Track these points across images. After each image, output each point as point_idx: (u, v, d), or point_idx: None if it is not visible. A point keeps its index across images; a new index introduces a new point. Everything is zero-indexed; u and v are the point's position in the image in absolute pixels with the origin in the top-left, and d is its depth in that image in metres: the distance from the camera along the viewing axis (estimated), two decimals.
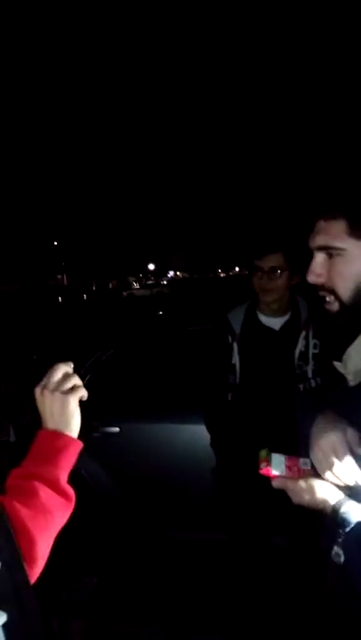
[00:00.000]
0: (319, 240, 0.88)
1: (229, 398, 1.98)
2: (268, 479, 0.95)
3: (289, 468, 0.95)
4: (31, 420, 2.92)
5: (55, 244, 46.13)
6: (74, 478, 3.12)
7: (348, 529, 0.82)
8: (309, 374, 1.93)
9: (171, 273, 69.79)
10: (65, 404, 0.90)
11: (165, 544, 2.78)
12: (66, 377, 0.93)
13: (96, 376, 2.94)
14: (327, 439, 0.87)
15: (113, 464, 2.78)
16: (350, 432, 0.87)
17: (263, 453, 0.97)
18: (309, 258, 0.93)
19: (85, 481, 2.78)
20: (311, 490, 0.89)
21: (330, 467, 0.87)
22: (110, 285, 51.65)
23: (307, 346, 1.93)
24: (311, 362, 1.93)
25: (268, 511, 1.95)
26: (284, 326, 1.98)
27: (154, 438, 2.72)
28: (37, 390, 0.92)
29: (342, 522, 0.83)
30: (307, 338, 1.94)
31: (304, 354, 1.93)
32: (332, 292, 0.88)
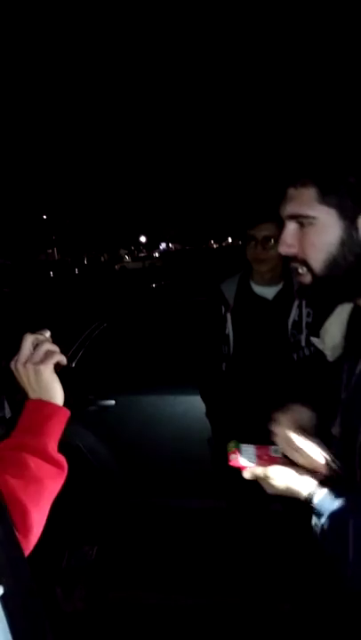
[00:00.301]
0: (290, 208, 0.84)
1: (223, 369, 1.98)
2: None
3: (259, 457, 0.94)
4: (25, 395, 2.91)
5: (45, 217, 45.40)
6: (71, 451, 3.13)
7: (322, 520, 0.81)
8: (303, 343, 1.92)
9: (163, 245, 69.18)
10: (38, 374, 0.89)
11: (163, 512, 2.83)
12: (37, 346, 0.90)
13: (90, 350, 2.93)
14: (281, 427, 0.89)
15: (110, 436, 2.80)
16: (305, 415, 0.89)
17: (232, 445, 0.96)
18: None
19: (83, 453, 2.81)
20: (282, 478, 0.88)
21: (293, 453, 0.88)
22: (102, 259, 51.22)
23: (300, 315, 1.93)
24: (305, 331, 1.92)
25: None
26: (277, 296, 1.97)
27: (149, 410, 2.74)
28: (12, 365, 0.91)
29: (316, 513, 0.83)
30: (300, 307, 1.93)
31: (298, 323, 1.92)
32: (305, 262, 0.84)
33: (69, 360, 2.93)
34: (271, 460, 0.93)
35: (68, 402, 3.17)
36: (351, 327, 0.91)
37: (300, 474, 0.87)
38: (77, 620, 2.36)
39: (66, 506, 3.06)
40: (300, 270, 0.86)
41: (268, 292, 1.97)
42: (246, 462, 0.94)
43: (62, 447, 3.14)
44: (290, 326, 1.92)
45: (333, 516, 0.80)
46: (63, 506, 3.07)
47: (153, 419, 2.72)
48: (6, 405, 2.40)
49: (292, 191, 0.84)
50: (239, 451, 0.95)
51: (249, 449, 0.96)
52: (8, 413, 2.38)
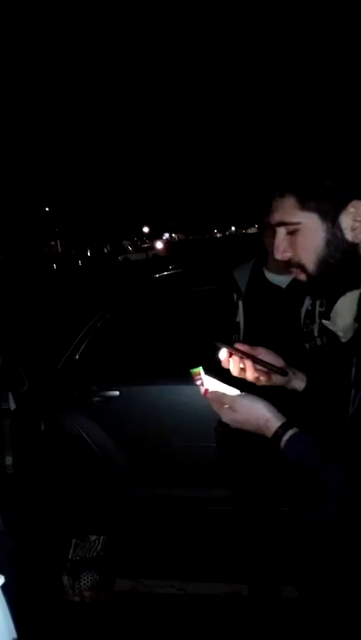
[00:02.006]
0: (275, 217, 0.90)
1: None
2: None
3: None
4: (30, 388, 2.92)
5: (47, 209, 45.28)
6: (76, 442, 3.13)
7: (292, 460, 0.87)
8: (315, 333, 1.90)
9: (166, 235, 68.93)
10: None
11: (169, 502, 2.84)
12: None
13: (94, 341, 2.92)
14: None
15: (114, 427, 2.81)
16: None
17: (197, 370, 1.02)
18: None
19: (88, 444, 2.81)
20: (245, 410, 0.94)
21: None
22: (105, 250, 51.13)
23: (313, 304, 1.90)
24: (318, 320, 1.89)
25: (271, 466, 1.97)
26: (290, 284, 1.93)
27: (154, 400, 2.73)
28: None
29: (285, 451, 0.88)
30: None
31: (311, 312, 1.89)
32: (299, 264, 0.90)
33: (73, 351, 2.93)
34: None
35: (72, 393, 3.18)
36: None
37: (264, 411, 0.92)
38: (84, 610, 2.39)
39: (72, 496, 3.09)
40: (296, 272, 0.92)
41: (282, 280, 1.94)
42: (212, 385, 0.99)
43: (67, 438, 3.16)
44: (303, 315, 1.89)
45: (302, 463, 0.85)
46: (69, 496, 3.09)
47: (157, 409, 2.71)
48: (11, 398, 2.41)
49: (274, 202, 0.90)
50: (202, 375, 1.01)
51: (213, 380, 1.01)
52: (13, 406, 2.39)
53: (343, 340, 0.97)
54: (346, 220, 0.84)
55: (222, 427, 2.11)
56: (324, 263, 0.86)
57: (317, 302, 1.91)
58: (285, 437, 0.88)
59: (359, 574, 0.87)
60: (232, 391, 1.00)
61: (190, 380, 1.02)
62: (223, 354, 1.05)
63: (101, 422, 2.81)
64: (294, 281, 1.94)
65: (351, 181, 0.82)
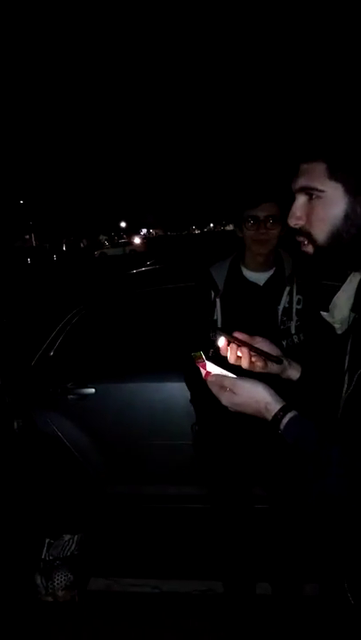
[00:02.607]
0: (300, 181, 0.90)
1: (210, 354, 1.96)
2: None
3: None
4: (3, 385, 2.85)
5: (21, 202, 44.45)
6: (50, 440, 3.09)
7: (291, 442, 0.88)
8: (293, 330, 1.90)
9: (144, 230, 68.59)
10: None
11: (145, 500, 2.83)
12: None
13: (69, 337, 2.87)
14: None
15: (90, 425, 2.77)
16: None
17: (198, 354, 1.03)
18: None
19: (63, 442, 2.77)
20: (246, 393, 0.95)
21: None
22: (81, 245, 50.56)
23: (290, 302, 1.90)
24: (295, 318, 1.90)
25: (248, 464, 1.97)
26: (268, 281, 1.93)
27: (130, 398, 2.71)
28: None
29: (284, 434, 0.89)
30: (291, 293, 1.91)
31: (288, 310, 1.90)
32: (308, 234, 0.90)
33: (47, 348, 2.87)
34: None
35: (46, 390, 3.13)
36: (359, 296, 0.97)
37: (265, 394, 0.94)
38: (58, 610, 2.35)
39: (46, 495, 3.05)
40: (303, 242, 0.92)
41: (260, 277, 1.94)
42: (213, 369, 1.01)
43: (41, 436, 3.11)
44: (280, 313, 1.90)
45: (302, 444, 0.87)
46: (43, 495, 3.05)
47: (134, 407, 2.69)
48: None
49: (303, 166, 0.90)
50: (204, 359, 1.02)
51: (214, 365, 1.02)
52: None
53: (339, 331, 1.00)
54: None
55: (199, 424, 2.10)
56: (336, 236, 0.87)
57: (295, 299, 1.92)
58: (285, 420, 0.90)
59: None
60: (231, 375, 1.01)
61: (192, 362, 1.03)
62: (222, 341, 1.07)
63: (76, 420, 2.77)
64: (272, 278, 1.96)
65: None
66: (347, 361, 0.96)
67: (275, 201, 1.85)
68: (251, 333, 1.88)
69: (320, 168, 0.87)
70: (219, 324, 1.91)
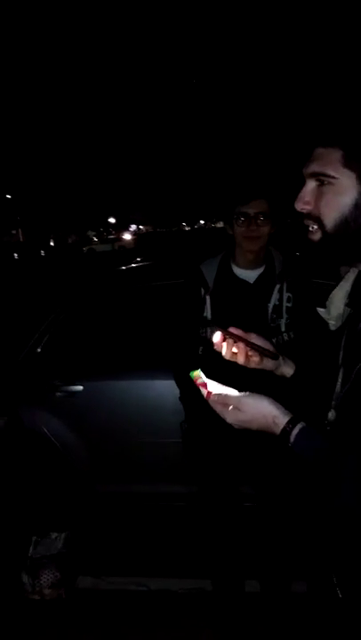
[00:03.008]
0: (313, 166, 0.90)
1: (200, 352, 1.95)
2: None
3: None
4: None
5: (9, 197, 43.99)
6: (37, 438, 3.04)
7: (301, 458, 0.87)
8: (283, 328, 1.90)
9: (133, 227, 68.33)
10: None
11: (133, 498, 2.81)
12: None
13: (56, 334, 2.84)
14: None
15: (77, 422, 2.75)
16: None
17: (197, 373, 1.01)
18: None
19: (50, 440, 2.74)
20: (251, 409, 0.93)
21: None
22: (69, 240, 50.20)
23: (280, 299, 1.91)
24: (285, 315, 1.90)
25: (237, 462, 1.97)
26: (258, 279, 1.93)
27: (118, 396, 2.69)
28: None
29: (294, 447, 0.88)
30: (281, 291, 1.91)
31: (278, 307, 1.90)
32: (318, 219, 0.90)
33: (35, 344, 2.84)
34: None
35: (33, 387, 3.09)
36: (355, 291, 0.98)
37: (271, 408, 0.92)
38: (45, 608, 2.34)
39: (33, 493, 3.01)
40: (311, 228, 0.92)
41: (250, 275, 1.94)
42: (214, 388, 0.98)
43: (29, 434, 3.07)
44: (270, 310, 1.90)
45: (312, 455, 0.86)
46: (30, 493, 3.01)
47: (122, 405, 2.67)
48: None
49: (319, 150, 0.89)
50: (203, 377, 0.99)
51: (213, 382, 1.00)
52: None
53: (333, 328, 1.01)
54: None
55: (188, 422, 2.09)
56: (344, 224, 0.88)
57: (285, 297, 1.92)
58: (295, 432, 0.88)
59: None
60: (233, 392, 0.99)
61: (192, 383, 1.00)
62: (217, 337, 1.05)
63: (64, 418, 2.74)
64: (262, 276, 1.96)
65: None
66: (341, 356, 0.96)
67: (265, 198, 1.85)
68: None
69: (336, 155, 0.87)
70: None
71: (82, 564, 2.57)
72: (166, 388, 2.45)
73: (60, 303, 2.91)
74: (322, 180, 0.89)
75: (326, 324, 1.03)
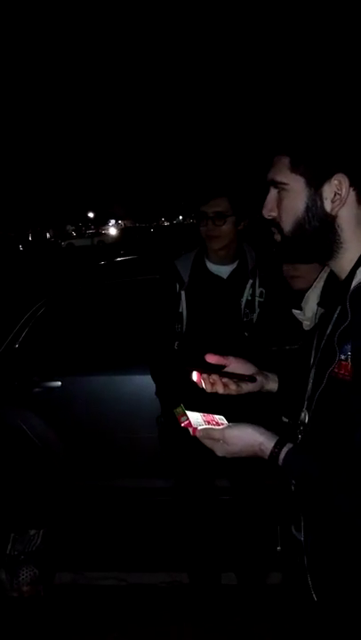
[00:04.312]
0: (269, 174, 0.94)
1: (176, 347, 1.96)
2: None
3: (208, 422, 0.98)
4: None
5: None
6: (15, 434, 3.01)
7: (292, 479, 0.88)
8: (255, 322, 1.93)
9: (112, 221, 67.77)
10: None
11: (111, 493, 2.82)
12: None
13: (34, 329, 2.81)
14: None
15: (56, 418, 2.74)
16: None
17: (180, 410, 0.99)
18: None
19: (28, 436, 2.72)
20: (238, 440, 0.93)
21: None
22: (48, 235, 49.56)
23: (253, 294, 1.93)
24: (257, 310, 1.93)
25: (212, 456, 1.99)
26: (231, 275, 1.96)
27: (97, 391, 2.69)
28: None
29: (284, 469, 0.88)
30: (253, 286, 1.94)
31: (251, 302, 1.93)
32: (278, 225, 0.94)
33: (12, 340, 2.81)
34: (219, 426, 0.98)
35: (11, 383, 3.06)
36: (326, 290, 1.01)
37: (256, 435, 0.92)
38: (24, 605, 2.33)
39: (11, 490, 2.99)
40: (275, 232, 0.95)
41: (223, 270, 1.96)
42: (198, 425, 0.97)
43: (6, 430, 3.04)
44: (243, 305, 1.93)
45: (304, 475, 0.87)
46: (8, 490, 2.98)
47: (100, 400, 2.67)
48: None
49: (274, 158, 0.93)
50: (187, 415, 0.98)
51: (196, 415, 0.99)
52: None
53: (307, 328, 1.03)
54: (327, 191, 0.88)
55: (165, 416, 2.11)
56: (300, 228, 0.90)
57: (257, 292, 1.95)
58: (282, 455, 0.88)
59: None
60: (219, 419, 1.00)
61: (176, 422, 1.00)
62: (195, 376, 1.07)
63: (42, 414, 2.72)
64: (235, 271, 1.98)
65: (338, 154, 0.87)
66: (312, 356, 0.97)
67: (226, 196, 1.86)
68: (214, 325, 1.90)
69: (284, 161, 0.90)
70: (184, 317, 1.94)
71: (60, 559, 2.57)
72: (144, 384, 2.46)
73: (38, 299, 2.88)
74: (278, 186, 0.92)
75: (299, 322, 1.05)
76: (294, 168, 0.89)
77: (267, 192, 0.95)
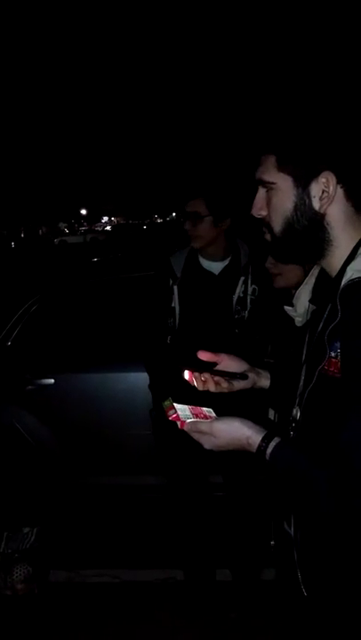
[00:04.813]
0: (257, 174, 0.93)
1: (168, 341, 1.98)
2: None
3: (196, 415, 0.98)
4: None
5: None
6: (8, 432, 3.01)
7: (278, 473, 0.87)
8: (246, 319, 1.94)
9: (105, 218, 67.58)
10: None
11: (105, 491, 2.81)
12: None
13: (27, 327, 2.80)
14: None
15: (49, 416, 2.73)
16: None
17: (167, 402, 0.99)
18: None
19: (21, 434, 2.71)
20: (225, 433, 0.93)
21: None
22: (40, 232, 49.34)
23: (245, 291, 1.95)
24: (249, 307, 1.94)
25: (206, 451, 1.99)
26: (223, 271, 1.97)
27: (90, 388, 2.68)
28: None
29: (271, 463, 0.88)
30: (245, 283, 1.95)
31: (242, 299, 1.94)
32: (268, 224, 0.93)
33: (5, 337, 2.79)
34: (207, 418, 0.98)
35: (4, 381, 3.04)
36: (317, 288, 1.00)
37: (244, 429, 0.91)
38: (18, 603, 2.32)
39: (3, 488, 2.98)
40: (265, 231, 0.95)
41: (215, 266, 1.97)
42: (186, 418, 0.97)
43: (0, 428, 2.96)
44: (235, 302, 1.93)
45: (291, 468, 0.86)
46: (1, 488, 2.97)
47: (93, 397, 2.66)
48: None
49: (261, 157, 0.93)
50: (175, 408, 0.98)
51: (184, 407, 0.99)
52: None
53: (299, 324, 1.03)
54: (315, 189, 0.87)
55: (157, 410, 2.10)
56: (289, 227, 0.90)
57: (249, 289, 1.96)
58: (269, 450, 0.88)
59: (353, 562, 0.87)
60: (207, 411, 0.99)
61: (165, 417, 0.99)
62: (186, 374, 1.07)
63: (35, 411, 2.71)
64: (227, 268, 1.99)
65: (325, 152, 0.87)
66: (304, 353, 0.97)
67: (202, 196, 1.88)
68: (206, 321, 1.91)
69: (271, 160, 0.90)
70: (176, 311, 1.95)
71: (54, 557, 2.56)
72: (138, 380, 2.45)
73: (31, 296, 2.86)
74: (266, 186, 0.91)
75: (291, 319, 1.05)
76: (281, 167, 0.89)
77: (255, 191, 0.94)
